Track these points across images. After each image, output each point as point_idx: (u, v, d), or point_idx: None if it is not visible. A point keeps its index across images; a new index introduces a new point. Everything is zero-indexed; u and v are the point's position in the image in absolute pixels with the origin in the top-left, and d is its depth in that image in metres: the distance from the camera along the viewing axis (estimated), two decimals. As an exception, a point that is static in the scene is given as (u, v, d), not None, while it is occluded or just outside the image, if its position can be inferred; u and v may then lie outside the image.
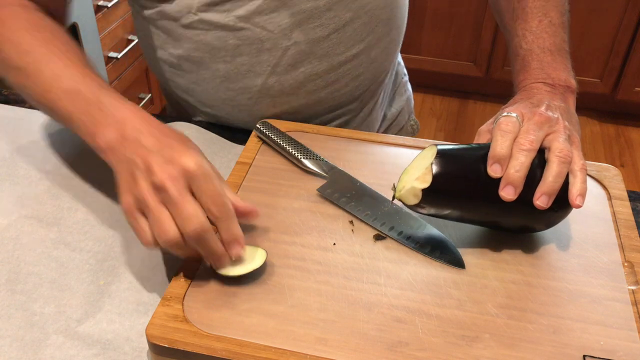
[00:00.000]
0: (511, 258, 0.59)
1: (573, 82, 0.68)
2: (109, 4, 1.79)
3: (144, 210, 0.53)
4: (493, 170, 0.57)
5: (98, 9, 1.76)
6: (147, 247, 0.53)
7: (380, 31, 0.81)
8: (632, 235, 0.62)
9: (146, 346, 0.54)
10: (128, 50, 1.93)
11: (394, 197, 0.59)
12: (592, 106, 2.63)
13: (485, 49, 2.53)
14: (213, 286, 0.56)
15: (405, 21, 0.87)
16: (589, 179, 0.69)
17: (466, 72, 2.63)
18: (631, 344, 0.52)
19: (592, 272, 0.58)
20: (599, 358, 0.50)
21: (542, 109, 0.61)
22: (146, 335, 0.51)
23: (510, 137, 0.58)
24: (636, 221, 0.64)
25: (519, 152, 0.57)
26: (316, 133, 0.76)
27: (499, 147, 0.57)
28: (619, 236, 0.62)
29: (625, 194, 0.67)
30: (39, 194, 0.72)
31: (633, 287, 0.57)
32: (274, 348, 0.50)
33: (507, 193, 0.56)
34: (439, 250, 0.59)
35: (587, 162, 0.71)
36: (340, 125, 0.87)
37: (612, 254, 0.60)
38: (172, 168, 0.52)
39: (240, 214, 0.55)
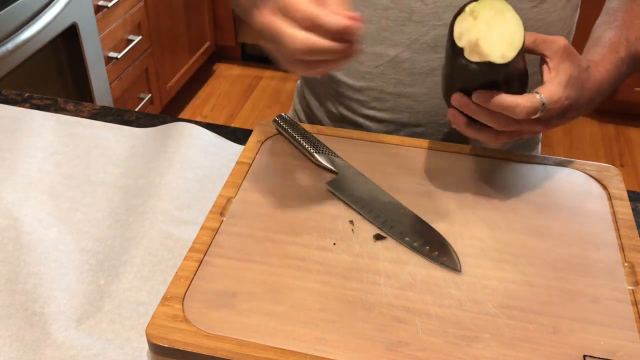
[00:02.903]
0: (511, 258, 0.59)
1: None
2: (109, 4, 1.79)
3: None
4: (481, 99, 0.58)
5: (98, 9, 1.76)
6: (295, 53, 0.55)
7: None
8: (632, 235, 0.62)
9: (146, 346, 0.54)
10: (128, 50, 1.93)
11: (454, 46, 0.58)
12: (592, 106, 2.63)
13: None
14: (213, 286, 0.56)
15: None
16: (588, 179, 0.69)
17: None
18: (631, 344, 0.52)
19: (592, 272, 0.58)
20: (599, 358, 0.50)
21: (567, 103, 0.61)
22: (146, 335, 0.51)
23: (512, 129, 0.60)
24: (636, 221, 0.64)
25: (504, 122, 0.59)
26: (317, 133, 0.75)
27: (512, 113, 0.58)
28: (619, 236, 0.62)
29: (625, 194, 0.67)
30: (39, 194, 0.72)
31: (633, 287, 0.57)
32: (274, 348, 0.50)
33: (459, 100, 0.59)
34: (437, 252, 0.59)
35: (587, 162, 0.71)
36: (448, 141, 0.81)
37: (612, 254, 0.60)
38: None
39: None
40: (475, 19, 0.57)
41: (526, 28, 0.75)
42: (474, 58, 0.56)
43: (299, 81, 0.97)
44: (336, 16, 0.53)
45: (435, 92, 0.78)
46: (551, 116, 0.61)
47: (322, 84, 0.87)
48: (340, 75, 0.83)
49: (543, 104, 0.59)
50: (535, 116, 0.59)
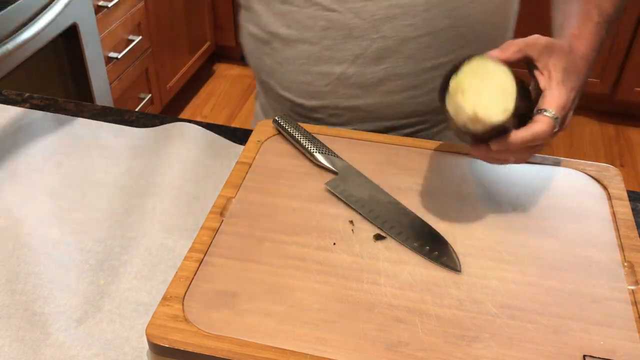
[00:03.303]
0: (512, 258, 0.59)
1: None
2: (109, 4, 1.78)
3: None
4: (498, 146, 0.58)
5: (98, 9, 1.76)
6: None
7: (477, 47, 0.77)
8: (632, 235, 0.62)
9: (146, 346, 0.54)
10: (128, 50, 1.93)
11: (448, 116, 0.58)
12: (591, 106, 2.63)
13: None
14: (213, 286, 0.56)
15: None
16: (588, 179, 0.69)
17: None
18: (631, 344, 0.52)
19: (592, 272, 0.58)
20: (599, 358, 0.50)
21: (573, 95, 0.62)
22: (146, 335, 0.51)
23: (536, 149, 0.62)
24: (636, 221, 0.64)
25: (519, 152, 0.59)
26: (317, 133, 0.76)
27: (519, 156, 0.61)
28: (619, 236, 0.62)
29: (625, 194, 0.67)
30: (39, 194, 0.72)
31: (633, 287, 0.57)
32: (274, 348, 0.50)
33: (478, 152, 0.61)
34: (437, 252, 0.59)
35: (587, 162, 0.71)
36: (410, 135, 0.83)
37: (612, 254, 0.60)
38: None
39: None
40: (463, 94, 0.56)
41: (469, 23, 0.75)
42: (478, 128, 0.56)
43: (257, 102, 0.97)
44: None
45: (386, 100, 0.80)
46: (565, 117, 0.61)
47: (281, 104, 0.87)
48: (293, 97, 0.84)
49: (556, 117, 0.59)
50: (555, 130, 0.59)
